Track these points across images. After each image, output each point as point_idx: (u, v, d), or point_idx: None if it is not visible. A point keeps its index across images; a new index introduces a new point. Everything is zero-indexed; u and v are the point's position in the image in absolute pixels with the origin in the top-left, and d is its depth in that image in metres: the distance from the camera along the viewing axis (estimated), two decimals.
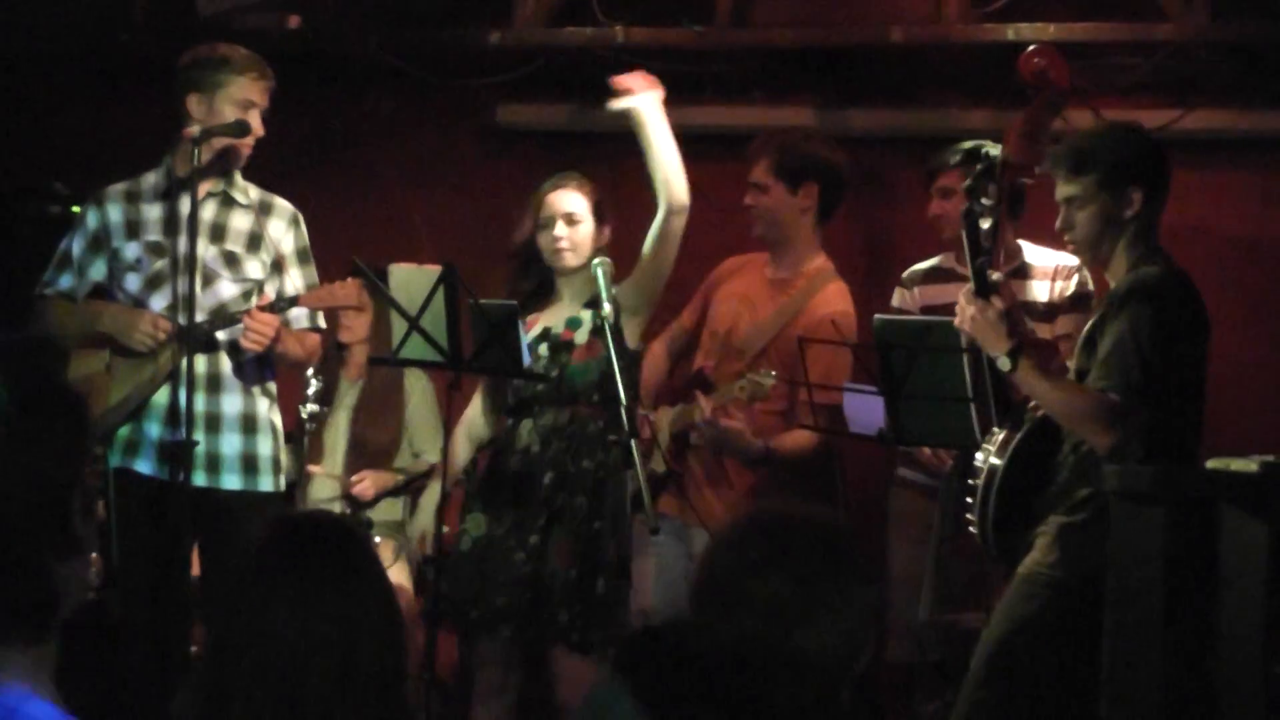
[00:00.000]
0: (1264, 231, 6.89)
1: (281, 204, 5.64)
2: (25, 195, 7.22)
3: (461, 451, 5.74)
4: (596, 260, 5.28)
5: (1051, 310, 5.84)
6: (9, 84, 7.75)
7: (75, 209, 7.27)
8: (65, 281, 5.57)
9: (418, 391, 6.77)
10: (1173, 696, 4.15)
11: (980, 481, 4.75)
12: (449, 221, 7.46)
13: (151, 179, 5.60)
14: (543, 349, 5.49)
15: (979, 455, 4.80)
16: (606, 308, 5.14)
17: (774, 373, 5.46)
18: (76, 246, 5.57)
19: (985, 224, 4.98)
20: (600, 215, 5.55)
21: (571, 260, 5.47)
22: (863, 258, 7.21)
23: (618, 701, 1.72)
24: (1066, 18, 6.71)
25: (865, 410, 5.15)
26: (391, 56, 7.32)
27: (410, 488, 6.69)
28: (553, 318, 5.53)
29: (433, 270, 5.19)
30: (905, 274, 6.15)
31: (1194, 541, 4.19)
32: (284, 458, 5.65)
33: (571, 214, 5.52)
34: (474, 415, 5.71)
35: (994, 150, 5.51)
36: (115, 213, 5.60)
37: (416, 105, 7.59)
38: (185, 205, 5.44)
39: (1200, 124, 6.75)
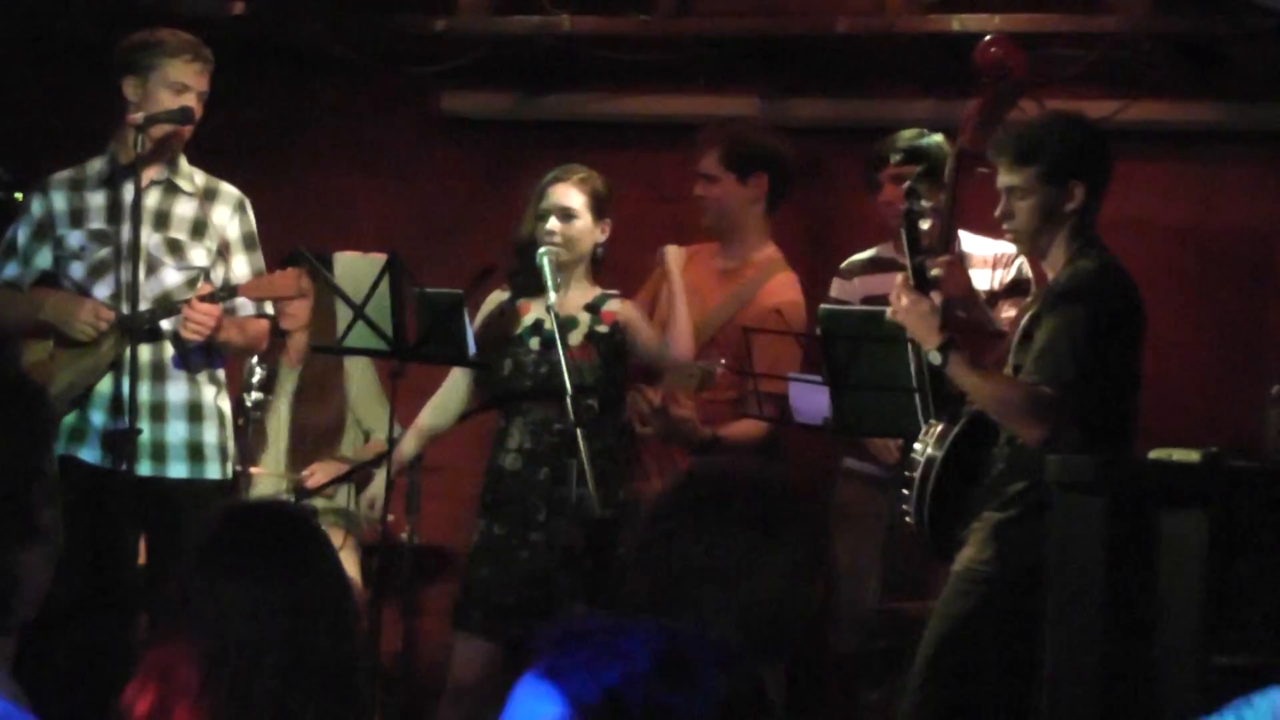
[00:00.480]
0: (1207, 223, 6.93)
1: (227, 190, 5.61)
2: None
3: (409, 443, 5.75)
4: (542, 249, 5.30)
5: (993, 299, 5.86)
6: None
7: (17, 196, 7.25)
8: (10, 270, 5.54)
9: (358, 372, 6.74)
10: (1112, 686, 4.18)
11: (917, 474, 4.77)
12: (393, 209, 7.44)
13: (96, 166, 5.58)
14: (534, 342, 5.52)
15: (916, 446, 4.82)
16: (552, 296, 5.19)
17: (723, 360, 5.49)
18: (21, 235, 5.54)
19: (925, 224, 5.00)
20: (599, 210, 5.55)
21: (563, 255, 5.48)
22: (806, 247, 7.22)
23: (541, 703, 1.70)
24: (1010, 9, 6.73)
25: (811, 400, 5.16)
26: (335, 43, 7.29)
27: (357, 475, 6.67)
28: (544, 310, 5.52)
29: (377, 259, 5.18)
30: (844, 264, 6.16)
31: (1134, 531, 4.22)
32: (231, 445, 5.62)
33: (568, 209, 5.52)
34: (433, 405, 5.72)
35: (935, 142, 5.53)
36: (60, 200, 5.57)
37: (360, 92, 7.57)
38: (129, 192, 5.42)
39: (1143, 115, 6.78)
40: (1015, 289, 5.85)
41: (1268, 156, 6.88)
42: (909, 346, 4.85)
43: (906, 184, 5.17)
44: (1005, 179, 4.75)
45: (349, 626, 2.72)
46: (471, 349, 5.25)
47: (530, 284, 5.55)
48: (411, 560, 6.39)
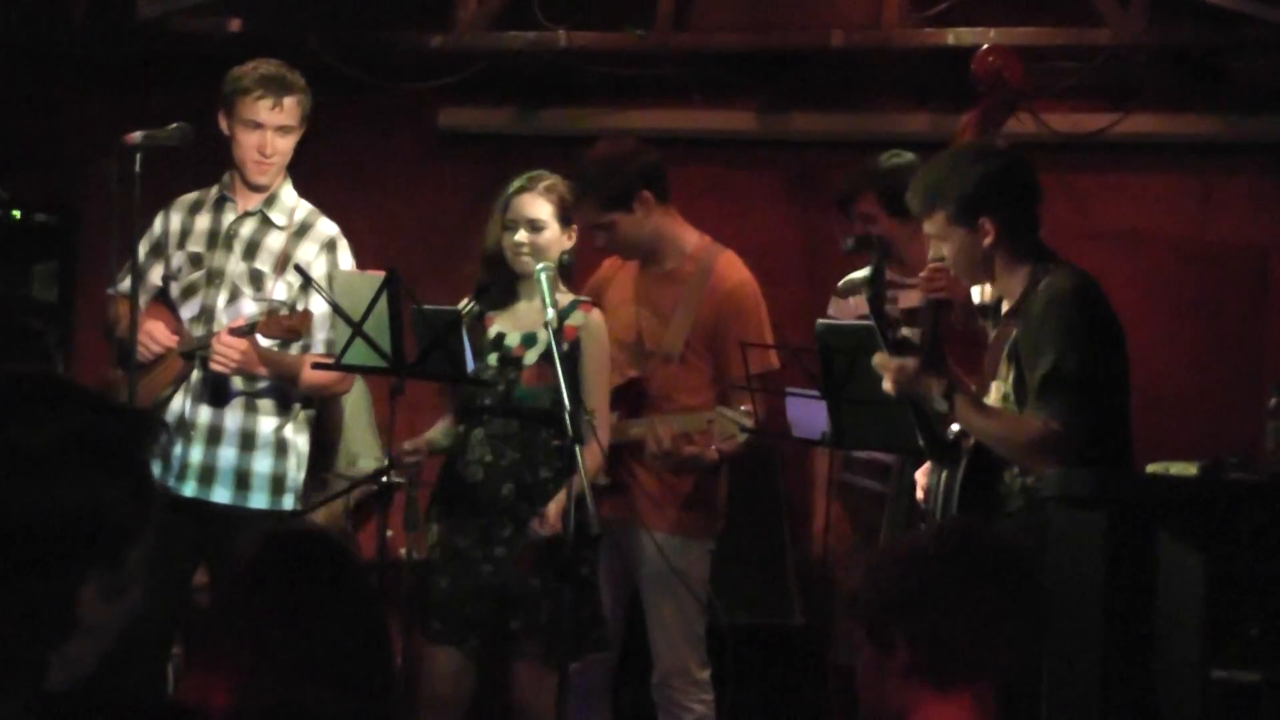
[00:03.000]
0: (1201, 235, 6.95)
1: (320, 228, 5.63)
2: None
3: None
4: (540, 265, 5.28)
5: (984, 311, 5.84)
6: None
7: (15, 214, 7.27)
8: (126, 282, 5.56)
9: (350, 396, 6.72)
10: (1112, 701, 4.18)
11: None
12: (390, 225, 7.45)
13: (214, 190, 5.63)
14: (492, 358, 5.47)
15: (920, 493, 4.81)
16: (550, 313, 5.15)
17: (751, 413, 5.43)
18: (141, 250, 5.57)
19: (890, 305, 4.98)
20: (565, 219, 5.52)
21: (532, 266, 5.42)
22: (804, 260, 7.24)
23: None
24: (1005, 22, 6.76)
25: (808, 414, 5.17)
26: (333, 59, 7.31)
27: (353, 492, 6.66)
28: (509, 322, 5.50)
29: (376, 276, 5.17)
30: (841, 283, 6.11)
31: (1133, 545, 4.22)
32: (293, 478, 5.58)
33: (535, 220, 5.47)
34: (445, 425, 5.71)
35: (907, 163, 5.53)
36: (175, 220, 5.66)
37: (358, 108, 7.58)
38: (226, 219, 5.57)
39: (1138, 128, 6.81)
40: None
41: (1264, 168, 6.91)
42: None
43: (863, 275, 5.15)
44: (924, 226, 4.75)
45: (386, 658, 2.70)
46: (470, 366, 5.24)
47: (498, 297, 5.53)
48: (411, 576, 6.38)
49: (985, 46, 5.47)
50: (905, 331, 4.93)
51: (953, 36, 6.75)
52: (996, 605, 2.82)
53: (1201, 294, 6.89)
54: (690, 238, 5.86)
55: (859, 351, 4.89)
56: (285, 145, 5.58)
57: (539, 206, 5.47)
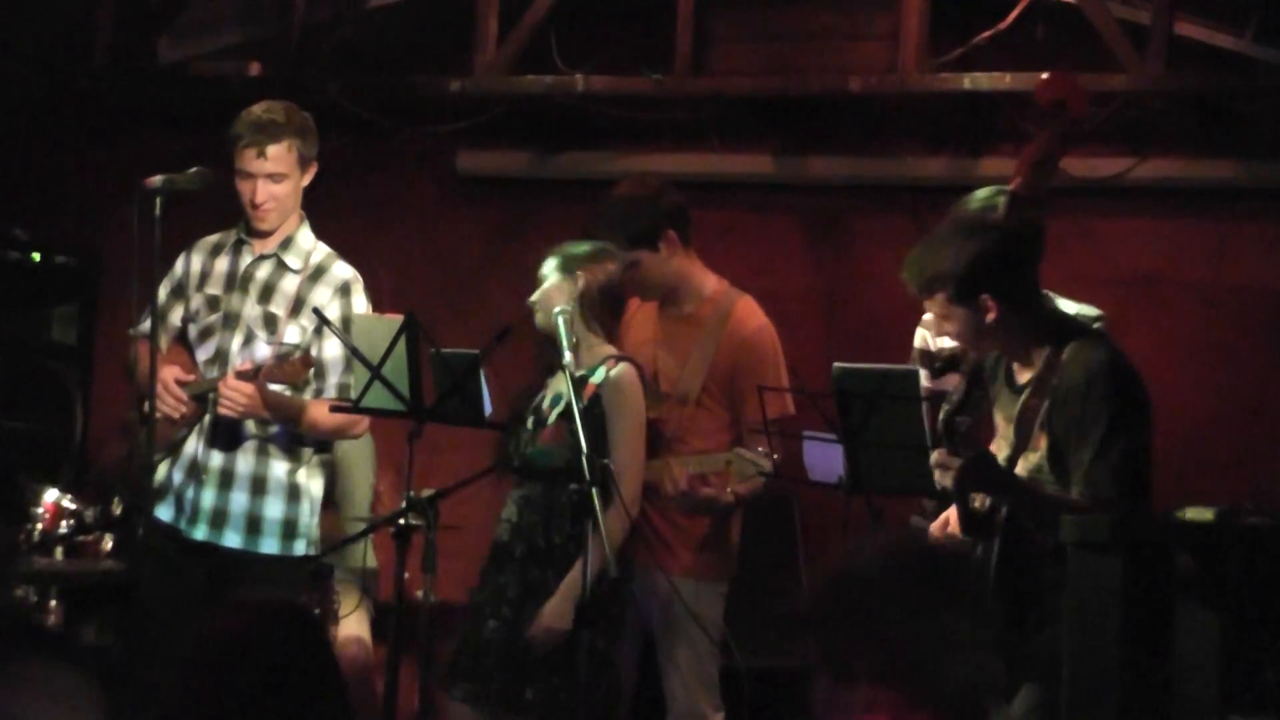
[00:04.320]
0: (1218, 280, 6.95)
1: (335, 272, 5.62)
2: None
3: None
4: (557, 309, 5.29)
5: (928, 358, 5.80)
6: None
7: (35, 255, 7.30)
8: (146, 324, 5.57)
9: (353, 447, 6.65)
10: None
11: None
12: (408, 267, 7.47)
13: (234, 233, 5.65)
14: (530, 420, 5.49)
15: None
16: (567, 356, 5.15)
17: (774, 456, 5.42)
18: (163, 291, 5.58)
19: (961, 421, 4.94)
20: (567, 268, 5.51)
21: (545, 321, 5.41)
22: (822, 303, 7.25)
23: None
24: (1022, 68, 6.77)
25: (825, 458, 5.16)
26: (352, 103, 7.35)
27: (372, 533, 6.65)
28: (552, 386, 5.52)
29: (394, 319, 5.18)
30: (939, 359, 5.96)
31: (1151, 590, 4.21)
32: (306, 524, 5.58)
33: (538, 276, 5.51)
34: None
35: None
36: (196, 262, 5.67)
37: (377, 152, 7.62)
38: (244, 263, 5.57)
39: (1155, 173, 6.82)
40: None
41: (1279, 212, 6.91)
42: (922, 405, 4.85)
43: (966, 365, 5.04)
44: (926, 305, 4.75)
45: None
46: (488, 409, 5.24)
47: (549, 357, 5.52)
48: (428, 619, 6.37)
49: (1047, 75, 5.43)
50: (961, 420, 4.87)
51: (969, 81, 6.77)
52: (949, 620, 2.76)
53: (1218, 339, 6.89)
54: (709, 282, 5.88)
55: (877, 396, 4.89)
56: (281, 191, 5.54)
57: (544, 264, 5.51)
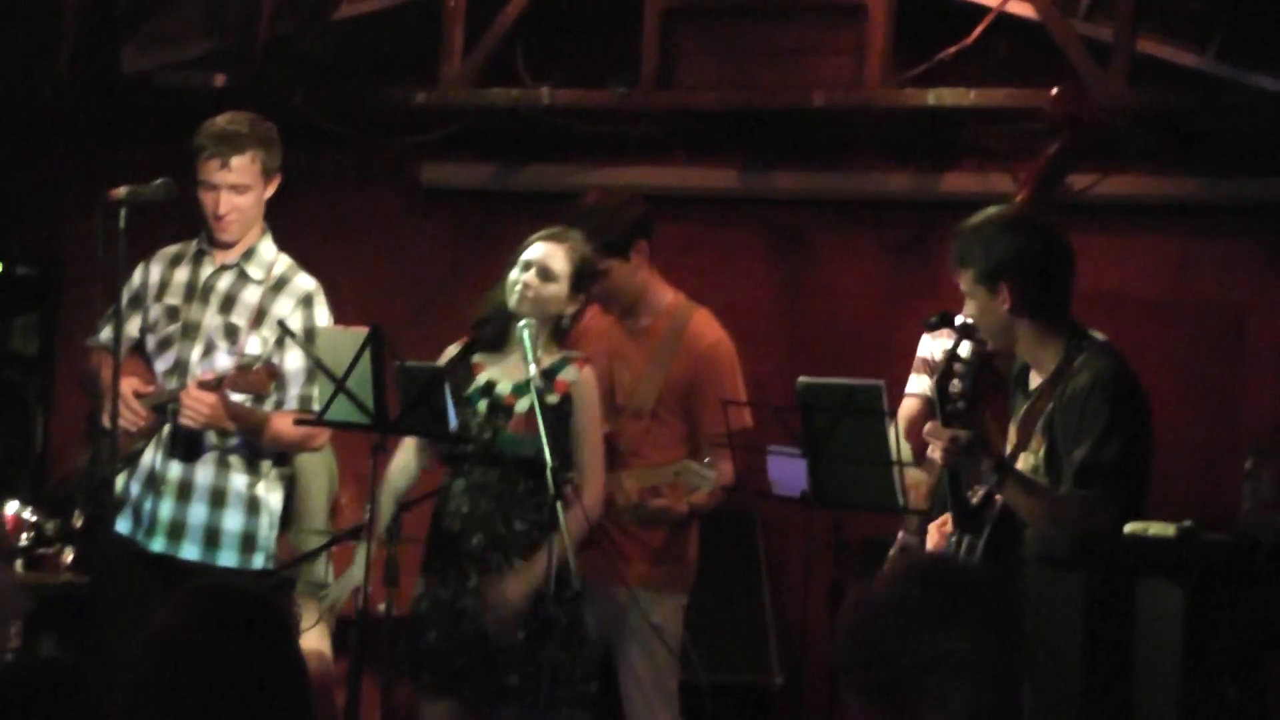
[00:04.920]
0: (1181, 296, 6.98)
1: (297, 283, 5.60)
2: None
3: (385, 508, 5.68)
4: (523, 322, 5.26)
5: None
6: None
7: None
8: (105, 334, 5.55)
9: (310, 461, 6.62)
10: None
11: None
12: (372, 279, 7.46)
13: (194, 243, 5.62)
14: (481, 405, 5.42)
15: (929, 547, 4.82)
16: (533, 369, 5.14)
17: (714, 465, 5.45)
18: (122, 301, 5.53)
19: (955, 385, 4.93)
20: (578, 284, 5.47)
21: (525, 308, 5.37)
22: (784, 317, 7.26)
23: None
24: (986, 83, 6.80)
25: (788, 472, 5.17)
26: (317, 115, 7.33)
27: (332, 547, 6.64)
28: (499, 372, 5.46)
29: (359, 332, 5.17)
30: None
31: (1112, 605, 4.22)
32: (264, 537, 5.56)
33: (549, 268, 5.40)
34: (394, 468, 5.65)
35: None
36: (155, 273, 5.64)
37: (341, 163, 7.61)
38: (204, 273, 5.54)
39: (1118, 189, 6.84)
40: None
41: (1242, 230, 6.94)
42: (886, 420, 4.85)
43: (962, 320, 5.04)
44: (956, 279, 4.79)
45: (307, 711, 2.67)
46: (453, 423, 5.22)
47: (492, 341, 5.48)
48: (390, 632, 6.35)
49: (1057, 89, 5.44)
50: (955, 384, 4.85)
51: (933, 97, 6.79)
52: (946, 644, 2.76)
53: (1180, 354, 6.91)
54: (666, 295, 5.88)
55: (840, 410, 4.90)
56: (243, 202, 5.52)
57: (558, 258, 5.40)
